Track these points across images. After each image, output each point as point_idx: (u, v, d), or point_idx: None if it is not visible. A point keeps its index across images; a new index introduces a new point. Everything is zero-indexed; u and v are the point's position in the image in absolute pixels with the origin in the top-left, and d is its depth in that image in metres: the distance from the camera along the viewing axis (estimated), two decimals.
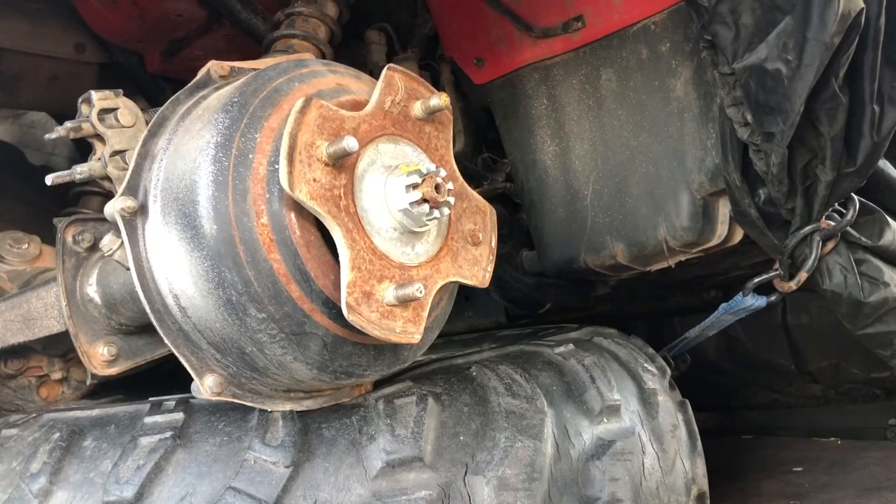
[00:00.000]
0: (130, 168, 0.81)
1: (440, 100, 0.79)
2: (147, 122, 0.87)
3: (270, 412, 0.85)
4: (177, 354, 0.80)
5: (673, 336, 1.37)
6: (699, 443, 1.11)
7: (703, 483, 1.10)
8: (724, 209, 1.22)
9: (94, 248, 1.02)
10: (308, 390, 0.86)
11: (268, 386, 0.83)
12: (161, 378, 1.07)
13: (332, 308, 0.74)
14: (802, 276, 1.13)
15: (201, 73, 0.89)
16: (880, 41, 0.97)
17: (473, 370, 0.98)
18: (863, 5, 0.92)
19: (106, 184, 0.91)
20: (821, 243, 1.11)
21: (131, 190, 0.80)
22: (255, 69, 0.89)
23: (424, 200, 0.72)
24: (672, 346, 1.35)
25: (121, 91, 0.92)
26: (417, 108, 0.80)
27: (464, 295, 1.63)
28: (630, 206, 1.28)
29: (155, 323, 0.79)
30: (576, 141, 1.33)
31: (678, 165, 1.22)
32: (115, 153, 0.90)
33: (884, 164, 1.20)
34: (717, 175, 1.18)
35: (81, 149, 1.32)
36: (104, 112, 0.90)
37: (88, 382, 1.05)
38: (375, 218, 0.74)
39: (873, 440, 1.90)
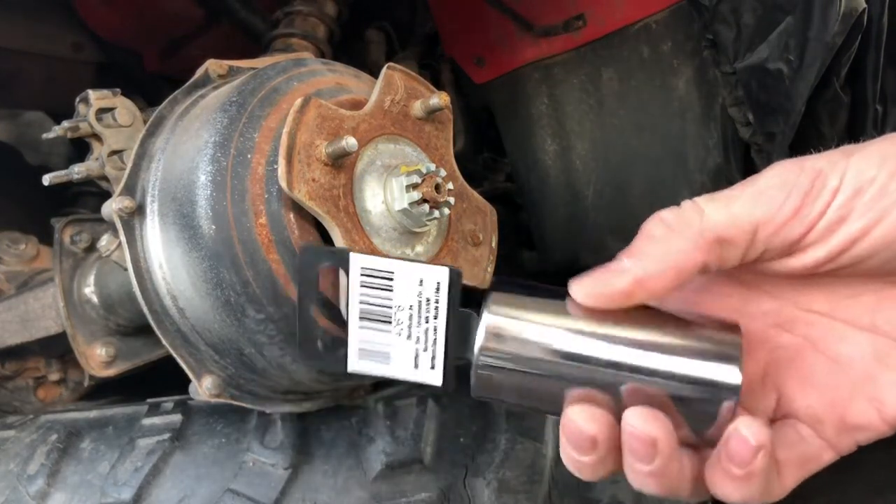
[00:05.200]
0: (128, 168, 0.80)
1: (440, 99, 0.78)
2: (145, 122, 0.86)
3: (269, 414, 0.84)
4: (175, 356, 0.79)
5: None
6: None
7: None
8: None
9: (91, 248, 1.01)
10: (307, 392, 0.86)
11: (266, 387, 0.83)
12: (159, 379, 1.07)
13: (332, 309, 0.74)
14: None
15: (199, 72, 0.88)
16: (883, 41, 0.97)
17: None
18: (865, 5, 0.92)
19: (104, 184, 0.91)
20: None
21: (129, 190, 0.79)
22: (253, 68, 0.89)
23: (424, 200, 0.71)
24: None
25: (118, 90, 0.92)
26: (417, 108, 0.79)
27: None
28: (631, 206, 1.28)
29: (153, 324, 0.78)
30: (577, 141, 1.32)
31: (680, 165, 1.21)
32: (112, 153, 0.89)
33: None
34: (718, 175, 1.17)
35: (79, 149, 1.31)
36: (102, 112, 0.90)
37: (86, 384, 1.05)
38: (375, 218, 0.73)
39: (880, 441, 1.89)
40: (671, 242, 0.51)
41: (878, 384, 0.54)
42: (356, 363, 0.57)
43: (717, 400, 0.51)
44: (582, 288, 0.52)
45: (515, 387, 0.53)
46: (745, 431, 0.48)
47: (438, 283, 0.55)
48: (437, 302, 0.55)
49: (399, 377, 0.56)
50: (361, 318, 0.57)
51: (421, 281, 0.55)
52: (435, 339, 0.55)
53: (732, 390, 0.51)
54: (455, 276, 0.55)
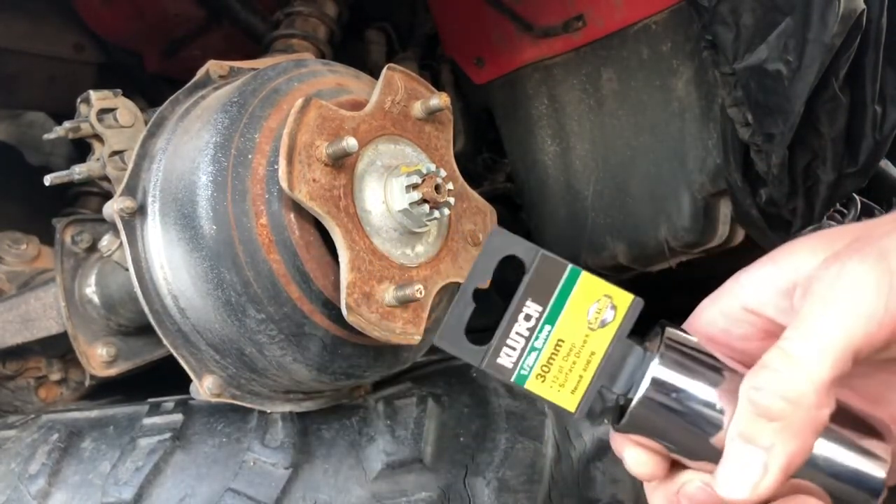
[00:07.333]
0: (129, 168, 0.81)
1: (440, 100, 0.79)
2: (146, 123, 0.86)
3: (270, 413, 0.84)
4: (175, 355, 0.80)
5: None
6: None
7: None
8: (725, 209, 1.22)
9: (92, 248, 1.01)
10: (307, 391, 0.86)
11: (267, 387, 0.83)
12: (160, 379, 1.07)
13: (332, 309, 0.74)
14: None
15: (200, 72, 0.88)
16: (882, 42, 0.97)
17: (474, 371, 0.98)
18: (864, 6, 0.92)
19: (105, 184, 0.91)
20: None
21: (130, 190, 0.80)
22: (254, 69, 0.89)
23: (424, 201, 0.72)
24: None
25: (120, 91, 0.92)
26: (417, 108, 0.79)
27: None
28: (631, 206, 1.28)
29: (154, 324, 0.79)
30: (577, 141, 1.33)
31: (679, 166, 1.22)
32: (113, 153, 0.89)
33: (885, 164, 1.20)
34: (718, 175, 1.17)
35: (80, 149, 1.32)
36: (103, 112, 0.90)
37: (87, 383, 1.05)
38: (375, 218, 0.74)
39: None
40: (796, 416, 0.46)
41: None
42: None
43: (859, 498, 0.48)
44: (730, 491, 0.47)
45: (668, 433, 0.50)
46: None
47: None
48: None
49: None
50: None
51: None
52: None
53: (874, 495, 0.48)
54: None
